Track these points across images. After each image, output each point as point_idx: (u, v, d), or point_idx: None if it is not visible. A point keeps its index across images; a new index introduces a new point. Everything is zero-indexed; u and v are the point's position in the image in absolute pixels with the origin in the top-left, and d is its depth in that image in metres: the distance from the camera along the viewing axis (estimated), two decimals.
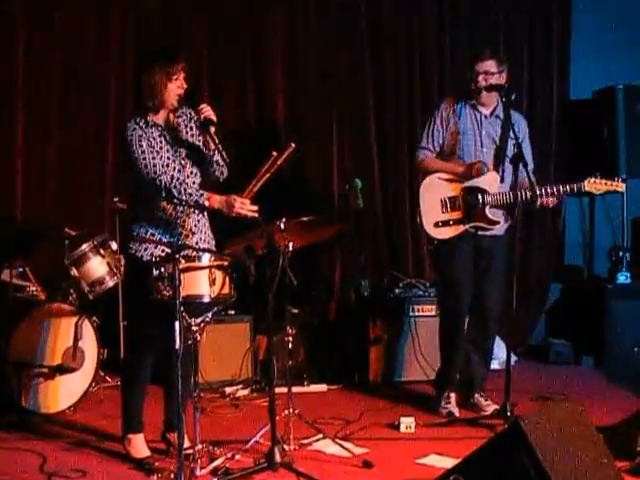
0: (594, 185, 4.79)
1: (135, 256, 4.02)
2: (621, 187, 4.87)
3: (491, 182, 4.79)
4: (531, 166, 4.82)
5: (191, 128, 4.12)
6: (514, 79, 4.97)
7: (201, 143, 4.11)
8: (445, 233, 4.82)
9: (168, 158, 4.00)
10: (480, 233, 4.84)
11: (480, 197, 4.78)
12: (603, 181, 4.80)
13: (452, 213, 4.81)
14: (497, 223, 4.80)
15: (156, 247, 3.97)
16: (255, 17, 6.44)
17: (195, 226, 4.07)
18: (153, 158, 3.96)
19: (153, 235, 3.99)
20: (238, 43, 6.42)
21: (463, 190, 4.81)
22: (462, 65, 6.19)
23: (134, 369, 4.12)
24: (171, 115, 4.07)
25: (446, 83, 6.67)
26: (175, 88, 3.97)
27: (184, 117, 4.12)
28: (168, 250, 3.80)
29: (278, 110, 6.47)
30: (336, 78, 6.57)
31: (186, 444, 3.81)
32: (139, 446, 4.10)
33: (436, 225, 4.81)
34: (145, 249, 3.99)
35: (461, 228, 4.82)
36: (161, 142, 4.01)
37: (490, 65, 4.79)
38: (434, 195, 4.84)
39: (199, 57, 6.19)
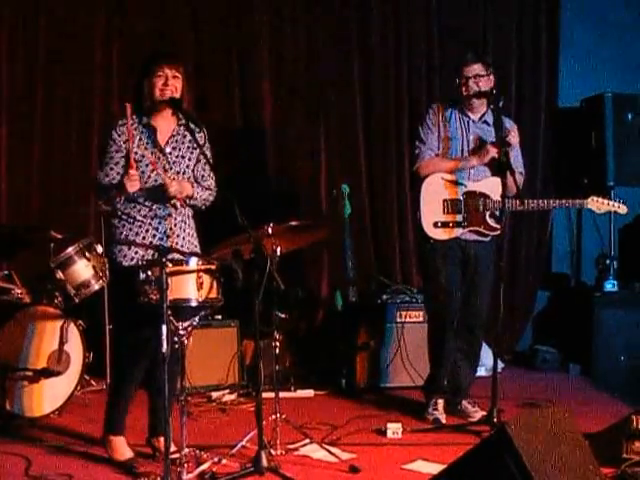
0: (596, 204, 4.81)
1: (115, 260, 4.02)
2: (623, 209, 4.86)
3: (493, 188, 4.76)
4: (521, 169, 4.89)
5: (189, 141, 4.11)
6: (502, 87, 4.96)
7: (194, 159, 4.12)
8: (443, 234, 4.79)
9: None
10: (466, 238, 4.84)
11: (482, 202, 4.79)
12: (606, 201, 4.82)
13: (453, 215, 4.79)
14: (496, 229, 4.78)
15: (129, 248, 3.96)
16: (242, 28, 6.43)
17: (173, 228, 4.04)
18: (116, 161, 3.97)
19: (127, 237, 3.98)
20: (225, 54, 6.43)
21: (466, 194, 4.80)
22: (450, 71, 6.20)
23: (124, 371, 4.09)
24: (173, 119, 4.07)
25: (434, 87, 6.67)
26: (160, 85, 3.97)
27: (185, 127, 4.11)
28: (148, 253, 3.79)
29: (265, 117, 6.47)
30: (323, 83, 6.58)
31: (172, 448, 3.77)
32: (121, 448, 4.08)
33: (435, 225, 4.79)
34: (120, 251, 3.98)
35: (459, 231, 4.81)
36: (146, 148, 4.00)
37: (478, 69, 4.80)
38: (436, 195, 4.80)
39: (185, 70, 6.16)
